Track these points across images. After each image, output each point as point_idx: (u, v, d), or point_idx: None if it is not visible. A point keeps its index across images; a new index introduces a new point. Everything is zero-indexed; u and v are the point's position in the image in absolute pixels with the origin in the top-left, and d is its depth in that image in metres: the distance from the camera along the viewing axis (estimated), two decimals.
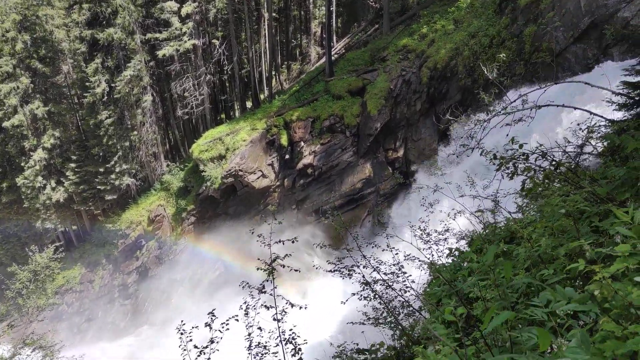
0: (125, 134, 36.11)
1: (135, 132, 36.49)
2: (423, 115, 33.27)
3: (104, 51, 34.46)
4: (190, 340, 6.64)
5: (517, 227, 3.71)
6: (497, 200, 9.64)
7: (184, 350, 6.50)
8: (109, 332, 34.89)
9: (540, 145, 4.92)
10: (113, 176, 35.96)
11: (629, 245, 2.21)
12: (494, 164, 5.05)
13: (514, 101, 9.98)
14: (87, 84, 34.32)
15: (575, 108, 9.20)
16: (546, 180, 4.47)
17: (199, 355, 6.55)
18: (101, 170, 35.90)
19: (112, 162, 35.63)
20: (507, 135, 10.06)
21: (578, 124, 7.85)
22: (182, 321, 6.89)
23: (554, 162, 4.61)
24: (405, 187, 32.78)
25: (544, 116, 10.93)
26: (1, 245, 36.76)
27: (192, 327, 6.75)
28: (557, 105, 9.17)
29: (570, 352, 1.59)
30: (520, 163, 4.77)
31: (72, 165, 36.18)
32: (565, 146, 7.50)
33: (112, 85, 34.63)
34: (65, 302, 34.79)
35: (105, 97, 34.70)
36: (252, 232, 9.27)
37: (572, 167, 4.82)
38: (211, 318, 6.98)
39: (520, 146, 4.75)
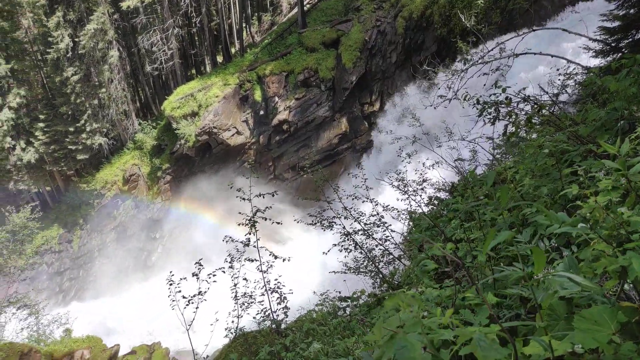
0: (93, 92, 34.73)
1: (104, 90, 35.10)
2: (399, 68, 32.95)
3: (65, 3, 32.48)
4: (179, 291, 6.73)
5: (501, 169, 3.79)
6: (475, 150, 9.79)
7: (173, 300, 6.60)
8: (91, 290, 35.02)
9: (524, 88, 4.93)
10: (84, 135, 34.90)
11: (610, 180, 2.30)
12: (476, 109, 5.07)
13: (492, 50, 9.94)
14: (49, 39, 32.55)
15: (552, 56, 9.23)
16: (528, 123, 4.54)
17: (187, 305, 6.67)
18: (71, 129, 34.76)
19: (82, 121, 34.49)
20: (485, 85, 10.08)
21: (557, 69, 7.89)
22: (170, 272, 6.95)
23: (535, 106, 4.66)
24: (382, 140, 32.89)
25: (521, 65, 10.97)
26: None
27: (180, 279, 6.84)
28: (534, 53, 9.19)
29: (565, 278, 1.66)
30: (503, 107, 4.81)
31: (41, 124, 34.84)
32: (541, 95, 7.57)
33: (76, 40, 32.91)
34: (45, 263, 34.52)
35: (70, 53, 33.05)
36: (231, 187, 9.24)
37: (553, 111, 4.89)
38: (198, 268, 7.07)
39: (504, 90, 4.76)
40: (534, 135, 5.11)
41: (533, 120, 4.48)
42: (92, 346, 18.33)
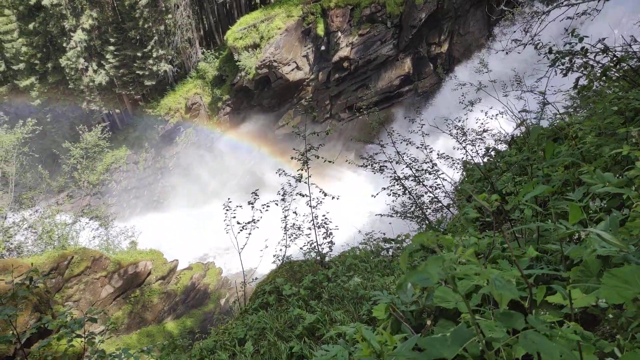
0: (160, 17, 35.37)
1: (170, 16, 35.62)
2: (474, 6, 30.69)
3: None
4: (234, 217, 7.22)
5: (563, 124, 3.59)
6: (544, 101, 9.20)
7: (228, 225, 7.11)
8: (154, 209, 37.90)
9: (604, 38, 4.49)
10: (151, 61, 36.14)
11: None
12: (548, 58, 4.71)
13: None
14: None
15: None
16: (604, 77, 4.18)
17: (241, 231, 7.17)
18: (139, 54, 36.05)
19: (149, 47, 35.57)
20: (567, 30, 9.23)
21: None
22: (228, 199, 7.44)
23: (614, 59, 4.26)
24: (446, 84, 31.50)
25: (612, 12, 9.87)
26: (52, 124, 38.95)
27: (237, 206, 7.31)
28: None
29: (595, 235, 1.67)
30: (578, 58, 4.43)
31: (111, 48, 36.37)
32: (630, 44, 6.84)
33: None
34: (114, 180, 37.48)
35: None
36: (287, 124, 9.47)
37: (636, 67, 4.44)
38: (254, 198, 7.49)
39: (581, 39, 4.36)
40: (609, 91, 4.73)
41: (609, 74, 4.11)
42: (154, 259, 20.19)
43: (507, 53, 10.25)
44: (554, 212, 1.78)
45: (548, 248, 2.39)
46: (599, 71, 4.34)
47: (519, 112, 8.20)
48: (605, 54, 4.38)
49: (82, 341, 3.81)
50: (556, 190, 3.68)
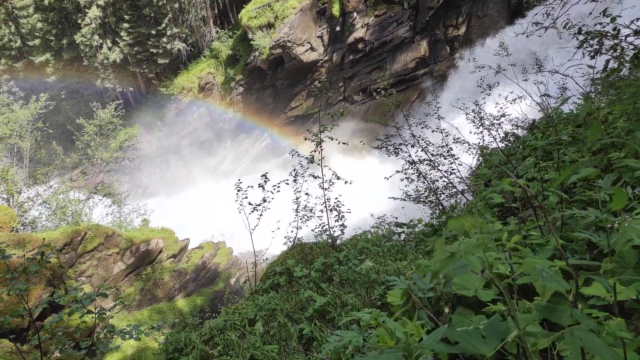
0: None
1: None
2: None
3: None
4: (246, 197, 7.17)
5: (592, 109, 3.43)
6: (565, 87, 8.95)
7: (240, 205, 7.07)
8: (165, 188, 38.21)
9: (637, 19, 4.25)
10: (165, 39, 35.97)
11: None
12: (577, 39, 4.49)
13: None
14: None
15: None
16: (635, 60, 3.97)
17: (252, 212, 7.13)
18: (153, 32, 35.91)
19: (163, 25, 35.37)
20: (591, 13, 8.88)
21: None
22: (239, 179, 7.39)
23: None
24: (463, 68, 30.88)
25: None
26: (67, 100, 39.15)
27: (248, 187, 7.26)
28: None
29: (636, 222, 1.56)
30: (608, 39, 4.21)
31: (126, 25, 36.25)
32: None
33: None
34: (127, 158, 37.76)
35: None
36: (301, 105, 9.35)
37: None
38: (264, 180, 7.43)
39: (612, 19, 4.13)
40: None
41: None
42: (165, 237, 20.40)
43: (527, 36, 9.93)
44: (600, 198, 1.66)
45: (575, 236, 2.29)
46: (631, 53, 4.13)
47: (540, 96, 7.96)
48: (638, 36, 4.17)
49: (92, 317, 3.83)
50: (582, 177, 3.53)
